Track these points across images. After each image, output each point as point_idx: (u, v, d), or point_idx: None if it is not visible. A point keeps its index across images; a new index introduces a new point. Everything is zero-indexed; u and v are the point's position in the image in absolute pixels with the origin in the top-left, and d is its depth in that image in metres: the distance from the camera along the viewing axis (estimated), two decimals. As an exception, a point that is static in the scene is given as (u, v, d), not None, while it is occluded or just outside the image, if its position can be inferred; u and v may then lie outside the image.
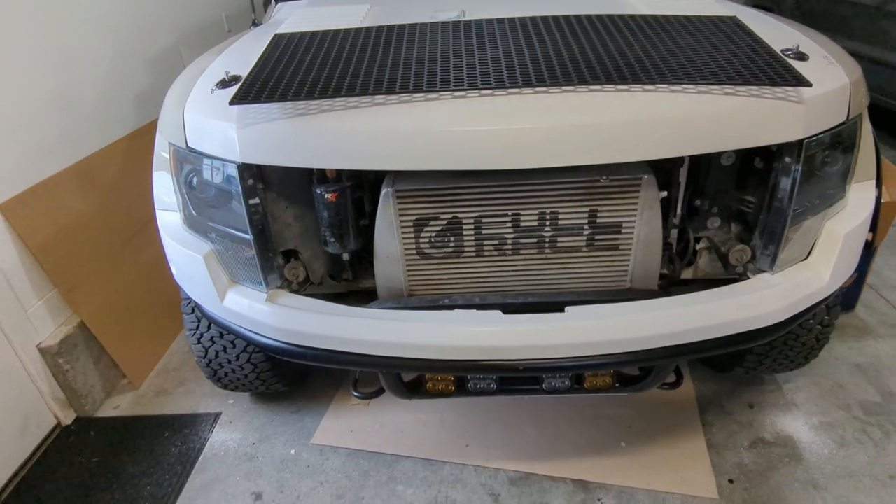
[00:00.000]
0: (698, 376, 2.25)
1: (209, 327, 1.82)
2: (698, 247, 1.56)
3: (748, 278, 1.43)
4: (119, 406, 2.32)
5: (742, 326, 1.29)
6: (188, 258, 1.49)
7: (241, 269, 1.46)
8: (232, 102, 1.22)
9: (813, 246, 1.42)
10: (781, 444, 1.96)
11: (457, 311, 1.33)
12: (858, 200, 1.47)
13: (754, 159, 1.39)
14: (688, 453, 1.95)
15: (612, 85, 1.20)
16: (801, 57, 1.36)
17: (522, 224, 1.35)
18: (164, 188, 1.61)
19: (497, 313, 1.31)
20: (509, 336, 1.27)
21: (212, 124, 1.33)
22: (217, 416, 2.24)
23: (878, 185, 1.55)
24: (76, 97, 2.36)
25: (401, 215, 1.35)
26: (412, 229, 1.37)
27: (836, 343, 2.37)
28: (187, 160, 1.45)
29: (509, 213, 1.34)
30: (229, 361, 1.94)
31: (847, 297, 2.47)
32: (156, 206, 1.66)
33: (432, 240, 1.38)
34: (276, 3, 2.25)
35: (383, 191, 1.32)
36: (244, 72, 1.43)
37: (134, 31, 2.83)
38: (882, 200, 2.12)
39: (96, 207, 2.35)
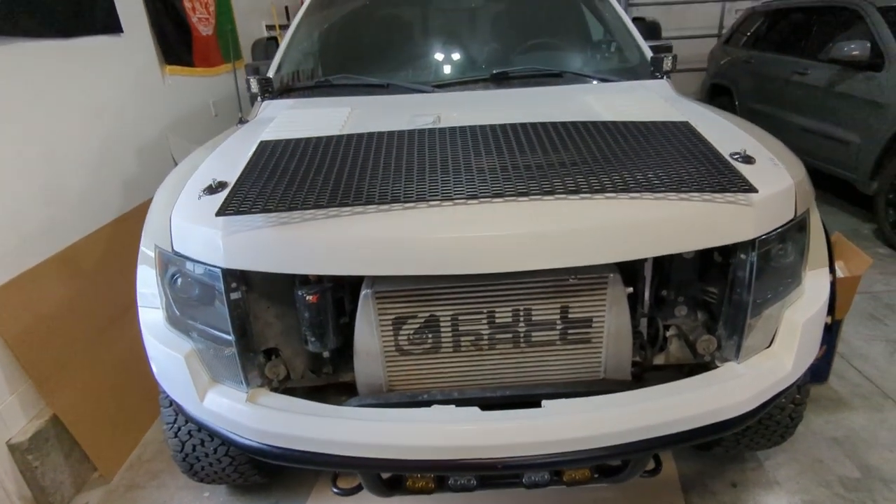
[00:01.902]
0: (680, 455, 2.26)
1: (187, 421, 1.80)
2: (668, 334, 1.62)
3: (716, 366, 1.48)
4: (88, 502, 2.24)
5: (713, 417, 1.33)
6: (169, 357, 1.50)
7: (223, 369, 1.47)
8: (219, 214, 1.29)
9: (775, 334, 1.49)
10: (766, 526, 1.96)
11: (434, 410, 1.36)
12: (814, 287, 1.56)
13: (713, 253, 1.48)
14: (674, 539, 1.93)
15: (575, 195, 1.30)
16: (748, 160, 1.49)
17: (497, 321, 1.41)
18: (148, 285, 1.64)
19: (475, 410, 1.34)
20: (487, 435, 1.29)
21: (198, 230, 1.39)
22: (192, 511, 2.17)
23: (832, 270, 1.65)
24: (61, 188, 2.42)
25: (380, 315, 1.39)
26: (391, 327, 1.41)
27: (813, 416, 2.41)
28: (172, 262, 1.49)
29: (484, 310, 1.39)
30: (206, 455, 1.91)
31: (818, 369, 2.54)
32: (138, 303, 1.68)
33: (411, 337, 1.42)
34: (263, 101, 2.38)
35: (363, 292, 1.37)
36: (230, 177, 1.51)
37: (121, 117, 2.93)
38: (842, 275, 2.24)
39: (77, 294, 2.36)
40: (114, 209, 2.77)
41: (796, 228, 1.47)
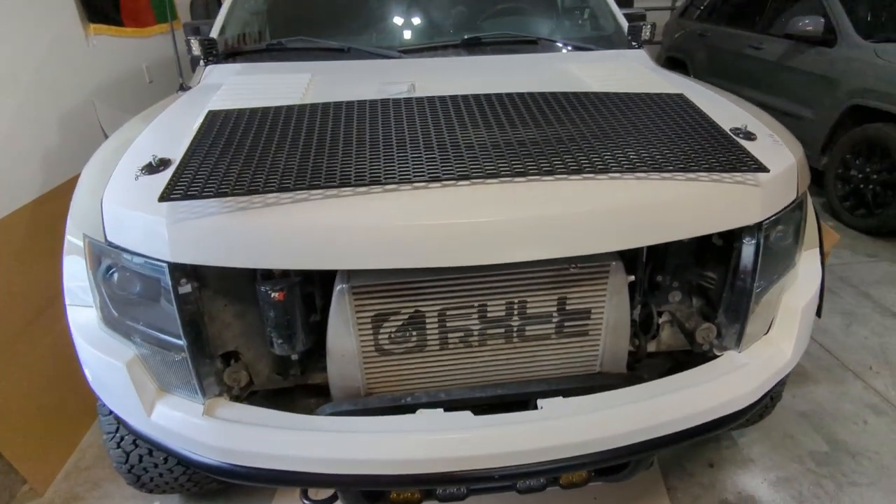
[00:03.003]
0: (657, 437, 2.23)
1: (131, 431, 1.58)
2: (660, 320, 1.53)
3: (714, 355, 1.41)
4: (19, 521, 1.99)
5: (719, 412, 1.26)
6: (107, 365, 1.29)
7: (173, 377, 1.27)
8: (162, 199, 1.07)
9: (773, 320, 1.43)
10: (744, 506, 1.95)
11: (421, 416, 1.21)
12: (808, 270, 1.51)
13: (712, 236, 1.39)
14: (656, 524, 1.89)
15: (577, 174, 1.16)
16: (750, 136, 1.39)
17: (489, 315, 1.27)
18: (77, 279, 1.40)
19: (467, 415, 1.21)
20: (482, 444, 1.16)
21: (137, 218, 1.17)
22: (141, 523, 1.96)
23: (822, 251, 1.60)
24: (-31, 165, 2.09)
25: (357, 312, 1.23)
26: (370, 326, 1.25)
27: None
28: (106, 255, 1.26)
29: (475, 304, 1.25)
30: (156, 466, 1.71)
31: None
32: (66, 301, 1.44)
33: (392, 335, 1.27)
34: (206, 66, 2.10)
35: (338, 287, 1.20)
36: (174, 154, 1.28)
37: (38, 83, 2.57)
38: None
39: (-7, 286, 2.06)
40: (34, 188, 2.43)
41: (797, 209, 1.40)
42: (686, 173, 1.19)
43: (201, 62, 2.16)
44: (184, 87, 2.00)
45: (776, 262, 1.37)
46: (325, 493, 1.48)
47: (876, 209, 3.74)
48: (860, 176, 3.83)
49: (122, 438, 1.68)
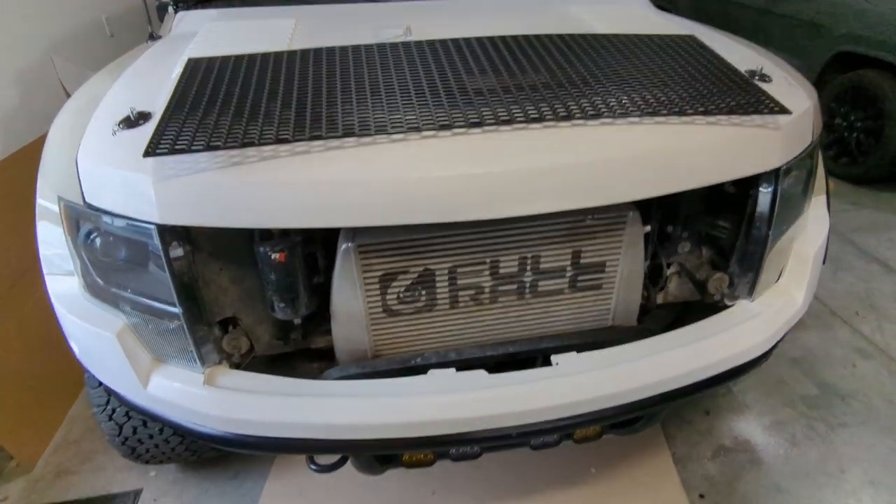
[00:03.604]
0: (655, 387, 2.25)
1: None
2: (669, 271, 1.50)
3: (725, 305, 1.39)
4: (8, 497, 1.92)
5: (735, 361, 1.25)
6: (95, 336, 1.21)
7: (168, 346, 1.20)
8: (147, 154, 0.97)
9: (782, 268, 1.41)
10: (741, 450, 1.99)
11: (433, 377, 1.17)
12: (815, 217, 1.49)
13: (725, 184, 1.35)
14: (656, 471, 1.92)
15: (596, 119, 1.09)
16: (765, 79, 1.33)
17: (501, 271, 1.22)
18: (54, 247, 1.30)
19: (481, 374, 1.17)
20: (498, 402, 1.13)
21: (118, 176, 1.06)
22: (137, 493, 1.92)
23: (828, 198, 1.58)
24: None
25: (364, 272, 1.16)
26: (377, 286, 1.19)
27: (772, 339, 2.48)
28: (86, 218, 1.16)
29: (487, 260, 1.19)
30: (151, 437, 1.65)
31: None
32: (44, 270, 1.34)
33: (401, 295, 1.21)
34: (176, 13, 1.94)
35: (342, 246, 1.13)
36: (153, 107, 1.17)
37: (-10, 38, 2.35)
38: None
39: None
40: (-9, 151, 2.26)
41: (811, 154, 1.36)
42: (706, 116, 1.13)
43: (170, 9, 1.99)
44: (154, 37, 1.84)
45: (791, 209, 1.34)
46: (331, 458, 1.45)
47: (859, 157, 3.76)
48: (845, 124, 3.83)
49: (113, 411, 1.61)
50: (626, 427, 1.35)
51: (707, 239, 1.44)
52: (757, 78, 1.32)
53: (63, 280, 1.29)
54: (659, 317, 1.54)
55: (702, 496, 1.84)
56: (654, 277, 1.47)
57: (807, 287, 1.36)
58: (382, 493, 1.85)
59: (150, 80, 1.33)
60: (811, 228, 1.44)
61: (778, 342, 1.35)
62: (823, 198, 1.54)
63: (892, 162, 3.57)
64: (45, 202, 1.28)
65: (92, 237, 1.18)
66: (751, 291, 1.34)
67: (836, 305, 2.68)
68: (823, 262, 1.57)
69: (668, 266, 1.49)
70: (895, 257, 3.01)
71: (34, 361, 2.09)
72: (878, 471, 1.87)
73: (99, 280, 1.21)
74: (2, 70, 2.41)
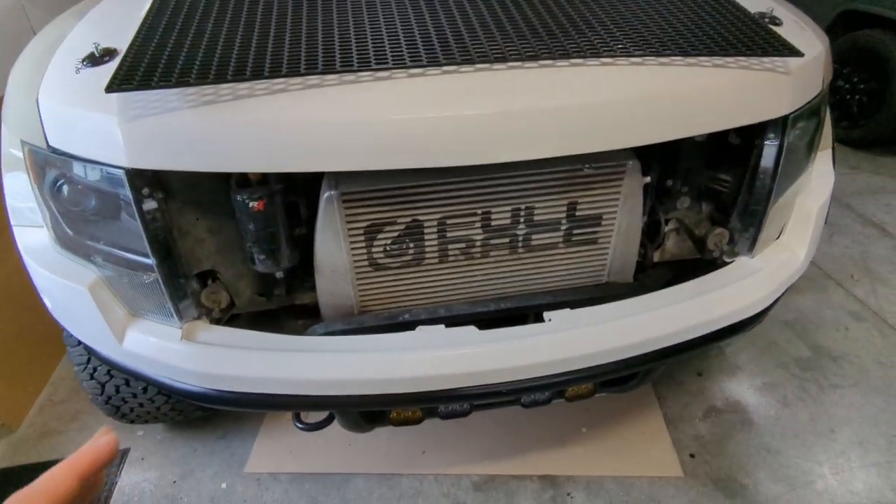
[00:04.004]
0: (647, 349, 2.23)
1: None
2: (667, 228, 1.45)
3: (725, 262, 1.34)
4: (-7, 456, 1.90)
5: (733, 318, 1.21)
6: (67, 290, 1.15)
7: (144, 300, 1.14)
8: (110, 89, 0.90)
9: (784, 224, 1.36)
10: (732, 410, 1.99)
11: (422, 333, 1.13)
12: (820, 171, 1.43)
13: (728, 135, 1.29)
14: (647, 431, 1.92)
15: (596, 58, 1.02)
16: (776, 22, 1.26)
17: (493, 223, 1.16)
18: (21, 197, 1.23)
19: (471, 330, 1.13)
20: (489, 358, 1.09)
21: (82, 117, 0.99)
22: (125, 453, 1.90)
23: (833, 152, 1.52)
24: None
25: (349, 222, 1.10)
26: (363, 238, 1.13)
27: (766, 301, 2.46)
28: (51, 164, 1.09)
29: (478, 211, 1.14)
30: (134, 396, 1.62)
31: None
32: (11, 221, 1.27)
33: (387, 248, 1.15)
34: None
35: (325, 194, 1.06)
36: (121, 43, 1.08)
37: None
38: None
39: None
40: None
41: (820, 103, 1.29)
42: (713, 58, 1.06)
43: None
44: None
45: (796, 162, 1.28)
46: (318, 416, 1.42)
47: (861, 120, 3.69)
48: (847, 86, 3.74)
49: (94, 369, 1.57)
50: (619, 385, 1.32)
51: (708, 193, 1.39)
52: (767, 20, 1.24)
53: (32, 232, 1.23)
54: (656, 275, 1.50)
55: (692, 455, 1.84)
56: (651, 234, 1.42)
57: (809, 243, 1.32)
58: (373, 452, 1.84)
59: (119, 16, 1.24)
60: (816, 184, 1.39)
61: (778, 298, 1.31)
62: (829, 152, 1.48)
63: (895, 123, 3.50)
64: (10, 148, 1.20)
65: (59, 185, 1.11)
66: (751, 248, 1.29)
67: (831, 268, 2.66)
68: (826, 220, 1.53)
69: (667, 222, 1.44)
70: (892, 221, 2.98)
71: (17, 320, 2.04)
72: (867, 431, 1.88)
73: (69, 231, 1.15)
74: (-32, 16, 2.28)
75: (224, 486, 1.78)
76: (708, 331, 1.18)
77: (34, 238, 1.22)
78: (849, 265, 2.68)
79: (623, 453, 1.84)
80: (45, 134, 1.05)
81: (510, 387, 1.12)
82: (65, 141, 1.03)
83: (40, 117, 1.04)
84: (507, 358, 1.09)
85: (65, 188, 1.10)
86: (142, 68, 0.94)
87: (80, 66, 1.06)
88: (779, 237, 1.36)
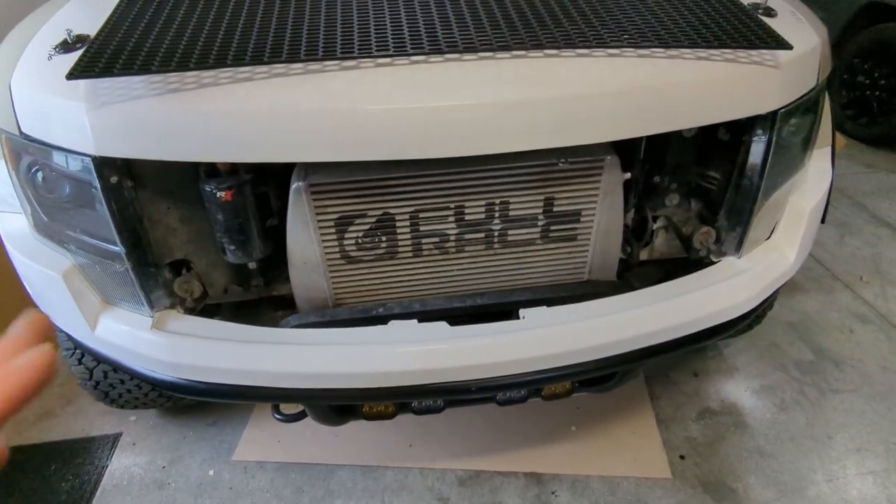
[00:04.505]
0: (642, 348, 2.19)
1: (89, 347, 1.49)
2: (655, 226, 1.41)
3: (712, 262, 1.30)
4: (-10, 437, 1.94)
5: (715, 319, 1.17)
6: (43, 276, 1.16)
7: (116, 288, 1.15)
8: (70, 76, 0.89)
9: (776, 223, 1.32)
10: (727, 412, 1.95)
11: (394, 327, 1.11)
12: (816, 170, 1.38)
13: (718, 131, 1.24)
14: (638, 431, 1.89)
15: (571, 49, 0.98)
16: (770, 13, 1.21)
17: (467, 218, 1.14)
18: (2, 183, 1.23)
19: (442, 325, 1.11)
20: (459, 354, 1.07)
21: (52, 103, 0.99)
22: (116, 437, 1.92)
23: (833, 151, 1.46)
24: None
25: (318, 214, 1.09)
26: (333, 230, 1.11)
27: (769, 302, 2.40)
28: (26, 151, 1.09)
29: (451, 205, 1.11)
30: (122, 382, 1.63)
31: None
32: (-5, 207, 1.28)
33: (359, 241, 1.14)
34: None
35: (294, 185, 1.05)
36: (93, 30, 1.08)
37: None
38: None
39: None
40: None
41: (814, 100, 1.24)
42: (696, 50, 1.02)
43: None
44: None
45: (787, 160, 1.24)
46: (295, 408, 1.42)
47: (880, 117, 3.57)
48: (867, 82, 3.62)
49: (82, 355, 1.59)
50: (598, 385, 1.29)
51: (696, 191, 1.35)
52: (761, 11, 1.19)
53: (12, 218, 1.24)
54: (644, 273, 1.47)
55: (682, 457, 1.80)
56: (638, 231, 1.39)
57: (800, 244, 1.27)
58: (360, 444, 1.84)
59: (98, 3, 1.23)
60: (811, 182, 1.34)
61: (766, 301, 1.27)
62: (828, 150, 1.43)
63: (915, 121, 3.39)
64: (-9, 134, 1.21)
65: (33, 171, 1.11)
66: (738, 247, 1.25)
67: (840, 270, 2.58)
68: (823, 221, 1.47)
69: (655, 220, 1.40)
70: (907, 222, 2.89)
71: (13, 302, 2.07)
72: (866, 437, 1.82)
73: (44, 217, 1.15)
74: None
75: (211, 472, 1.80)
76: (687, 332, 1.15)
77: (13, 224, 1.23)
78: (859, 266, 2.60)
79: (611, 453, 1.81)
80: (17, 120, 1.05)
81: (482, 384, 1.10)
82: (36, 128, 1.03)
83: (13, 103, 1.04)
84: (477, 355, 1.07)
85: (39, 175, 1.11)
86: (106, 55, 0.94)
87: (52, 53, 1.06)
88: (770, 237, 1.32)
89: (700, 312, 1.16)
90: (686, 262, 1.40)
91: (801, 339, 2.23)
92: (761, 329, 2.25)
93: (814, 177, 1.36)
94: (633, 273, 1.42)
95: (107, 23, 1.05)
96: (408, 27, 1.01)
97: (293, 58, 0.94)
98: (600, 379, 1.28)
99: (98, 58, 0.93)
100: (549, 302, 1.19)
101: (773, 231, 1.32)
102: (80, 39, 1.07)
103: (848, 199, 3.12)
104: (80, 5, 1.29)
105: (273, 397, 1.11)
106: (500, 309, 1.22)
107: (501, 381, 1.10)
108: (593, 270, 1.27)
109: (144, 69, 0.90)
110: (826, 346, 2.19)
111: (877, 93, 3.56)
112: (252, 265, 1.19)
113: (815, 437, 1.85)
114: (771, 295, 1.32)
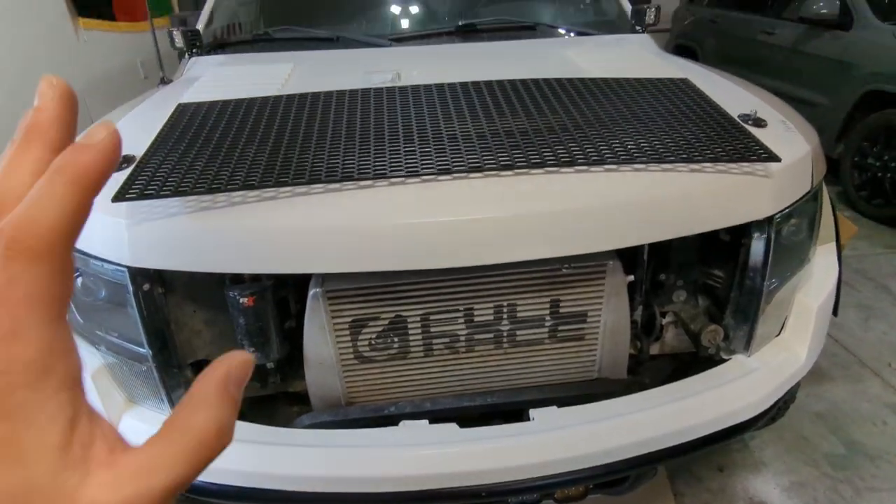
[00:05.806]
0: (664, 440, 2.13)
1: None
2: (664, 321, 1.43)
3: (721, 359, 1.31)
4: None
5: (726, 422, 1.16)
6: (74, 375, 1.22)
7: (140, 387, 1.20)
8: (116, 199, 0.99)
9: (785, 320, 1.33)
10: (756, 513, 1.86)
11: (404, 429, 1.13)
12: (823, 266, 1.40)
13: (719, 232, 1.29)
14: (662, 532, 1.81)
15: (570, 167, 1.06)
16: (760, 123, 1.29)
17: (476, 319, 1.18)
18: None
19: (452, 428, 1.12)
20: (469, 459, 1.08)
21: (97, 220, 1.09)
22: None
23: (839, 246, 1.49)
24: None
25: (334, 318, 1.14)
26: (348, 332, 1.16)
27: (795, 391, 2.33)
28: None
29: (461, 308, 1.16)
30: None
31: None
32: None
33: (372, 342, 1.18)
34: (190, 58, 2.02)
35: (311, 291, 1.11)
36: (139, 151, 1.20)
37: (25, 81, 2.50)
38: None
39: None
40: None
41: (811, 201, 1.29)
42: (689, 164, 1.09)
43: (185, 55, 2.08)
44: (165, 81, 1.92)
45: (789, 259, 1.27)
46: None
47: (894, 198, 3.59)
48: (877, 164, 3.68)
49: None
50: (613, 487, 1.27)
51: (703, 288, 1.38)
52: (750, 122, 1.27)
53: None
54: (656, 368, 1.47)
55: (710, 562, 1.71)
56: (647, 327, 1.41)
57: (811, 341, 1.27)
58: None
59: (144, 125, 1.37)
60: (817, 278, 1.36)
61: (779, 401, 1.25)
62: (833, 245, 1.46)
63: (928, 203, 3.40)
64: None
65: (75, 277, 1.20)
66: (747, 345, 1.26)
67: (867, 356, 2.52)
68: (836, 314, 1.48)
69: (664, 315, 1.42)
70: (933, 305, 2.83)
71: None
72: (909, 544, 1.71)
73: (80, 319, 1.23)
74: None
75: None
76: (699, 435, 1.14)
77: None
78: (886, 352, 2.53)
79: (634, 556, 1.73)
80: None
81: (492, 489, 1.10)
82: (83, 240, 1.13)
83: (62, 218, 1.15)
84: (487, 459, 1.08)
85: (79, 280, 1.20)
86: (148, 179, 1.04)
87: (101, 172, 1.18)
88: (780, 333, 1.33)
89: (710, 415, 1.15)
90: (697, 357, 1.41)
91: (830, 430, 2.15)
92: (788, 420, 2.18)
93: (820, 273, 1.38)
94: (645, 367, 1.43)
95: (149, 148, 1.17)
96: (420, 150, 1.11)
97: (314, 179, 1.03)
98: (615, 481, 1.25)
99: (141, 182, 1.03)
100: (560, 401, 1.20)
101: (783, 326, 1.33)
102: (126, 160, 1.19)
103: (870, 282, 3.09)
104: (128, 125, 1.44)
105: (283, 501, 1.11)
106: (511, 408, 1.23)
107: (513, 485, 1.09)
108: (603, 368, 1.28)
109: (181, 192, 1.00)
110: (858, 438, 2.10)
111: (888, 174, 3.61)
112: (269, 365, 1.24)
113: (853, 542, 1.74)
114: (788, 391, 1.30)
